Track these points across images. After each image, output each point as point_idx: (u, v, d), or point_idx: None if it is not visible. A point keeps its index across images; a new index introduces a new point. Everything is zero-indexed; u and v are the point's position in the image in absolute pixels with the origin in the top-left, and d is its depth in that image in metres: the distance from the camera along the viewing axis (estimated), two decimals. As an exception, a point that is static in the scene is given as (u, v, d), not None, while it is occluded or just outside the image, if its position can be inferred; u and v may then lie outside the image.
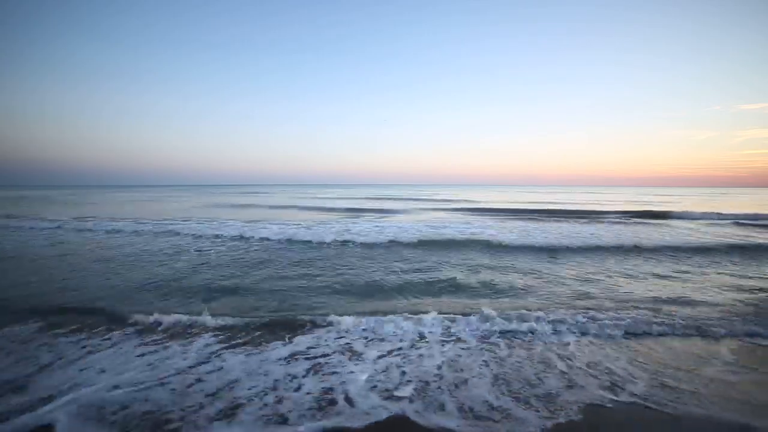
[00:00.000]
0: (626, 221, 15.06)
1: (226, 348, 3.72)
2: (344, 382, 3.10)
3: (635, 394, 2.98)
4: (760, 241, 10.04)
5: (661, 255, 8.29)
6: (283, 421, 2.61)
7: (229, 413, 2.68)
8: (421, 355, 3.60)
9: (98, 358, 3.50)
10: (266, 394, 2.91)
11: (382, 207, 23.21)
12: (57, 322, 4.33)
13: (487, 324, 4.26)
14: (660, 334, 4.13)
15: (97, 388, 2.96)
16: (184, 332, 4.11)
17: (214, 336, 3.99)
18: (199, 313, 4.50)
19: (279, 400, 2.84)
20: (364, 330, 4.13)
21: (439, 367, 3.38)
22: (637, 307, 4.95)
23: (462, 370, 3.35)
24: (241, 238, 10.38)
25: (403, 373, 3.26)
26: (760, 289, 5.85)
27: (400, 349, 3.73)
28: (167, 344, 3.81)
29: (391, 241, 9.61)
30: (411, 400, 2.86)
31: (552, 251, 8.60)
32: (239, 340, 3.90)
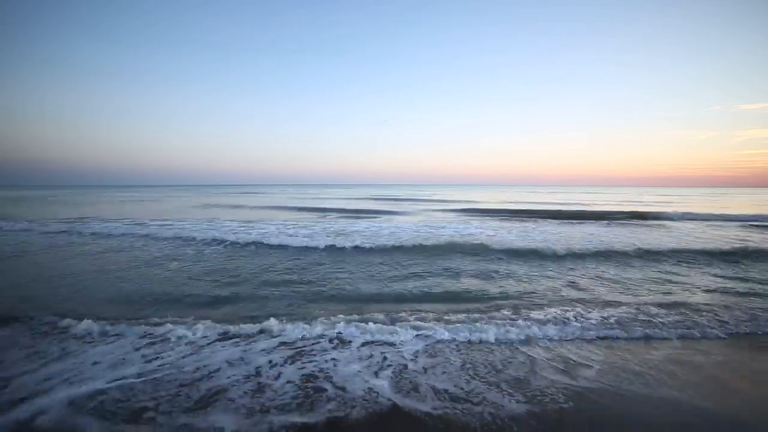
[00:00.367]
0: (626, 223, 14.78)
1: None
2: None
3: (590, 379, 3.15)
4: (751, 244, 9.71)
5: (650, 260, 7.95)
6: None
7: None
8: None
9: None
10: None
11: (374, 208, 22.93)
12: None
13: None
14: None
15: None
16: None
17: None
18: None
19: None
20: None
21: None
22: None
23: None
24: (213, 240, 9.88)
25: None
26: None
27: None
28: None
29: (355, 248, 8.92)
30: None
31: (543, 256, 8.25)
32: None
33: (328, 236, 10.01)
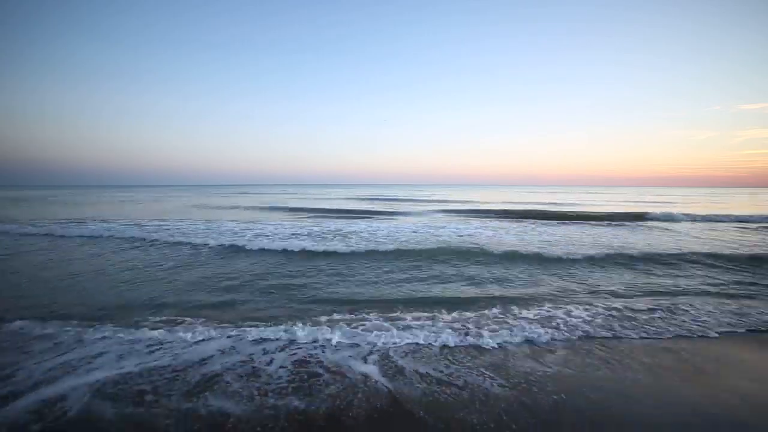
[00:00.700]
0: (622, 224, 14.56)
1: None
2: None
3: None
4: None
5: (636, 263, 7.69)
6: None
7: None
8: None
9: None
10: None
11: (367, 208, 22.60)
12: None
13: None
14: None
15: None
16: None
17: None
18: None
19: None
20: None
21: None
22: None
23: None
24: (181, 244, 9.59)
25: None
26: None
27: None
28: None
29: (329, 252, 8.59)
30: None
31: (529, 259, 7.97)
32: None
33: (300, 239, 9.72)
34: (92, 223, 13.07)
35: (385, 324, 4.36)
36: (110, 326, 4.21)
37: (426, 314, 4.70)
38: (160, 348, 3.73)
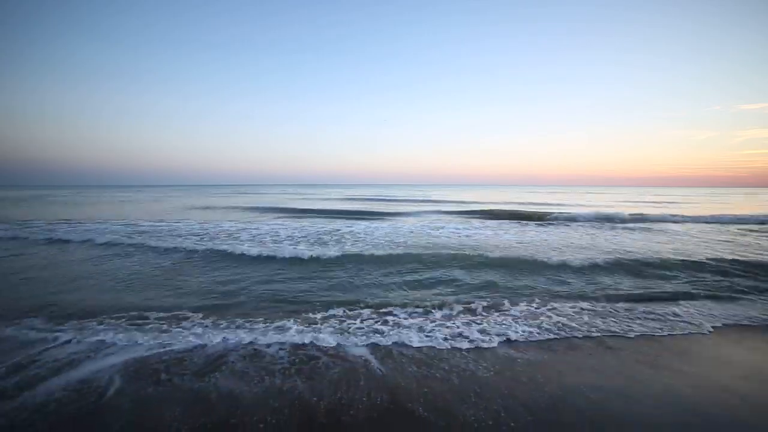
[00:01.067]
0: (602, 225, 14.24)
1: None
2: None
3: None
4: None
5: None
6: None
7: None
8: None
9: None
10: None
11: (359, 209, 22.34)
12: None
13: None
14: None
15: None
16: None
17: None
18: None
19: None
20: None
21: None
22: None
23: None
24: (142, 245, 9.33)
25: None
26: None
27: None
28: None
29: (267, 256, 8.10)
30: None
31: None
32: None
33: (275, 243, 9.39)
34: (70, 225, 12.69)
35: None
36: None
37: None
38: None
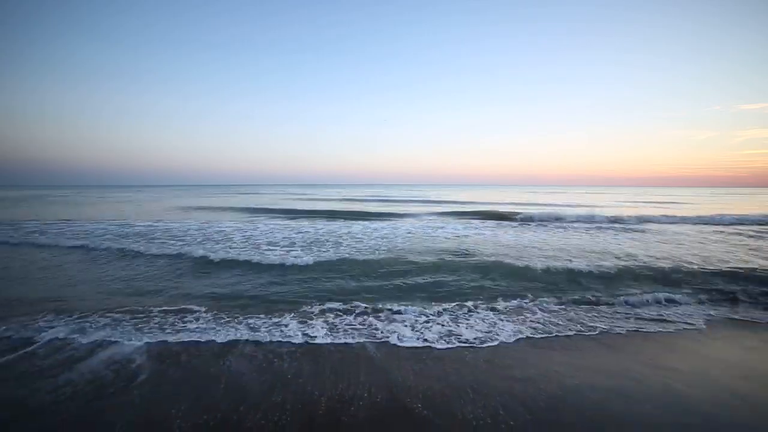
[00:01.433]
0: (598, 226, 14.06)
1: None
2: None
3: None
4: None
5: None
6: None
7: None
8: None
9: None
10: None
11: (351, 209, 21.97)
12: None
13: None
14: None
15: None
16: None
17: None
18: None
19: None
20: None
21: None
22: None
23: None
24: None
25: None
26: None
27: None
28: None
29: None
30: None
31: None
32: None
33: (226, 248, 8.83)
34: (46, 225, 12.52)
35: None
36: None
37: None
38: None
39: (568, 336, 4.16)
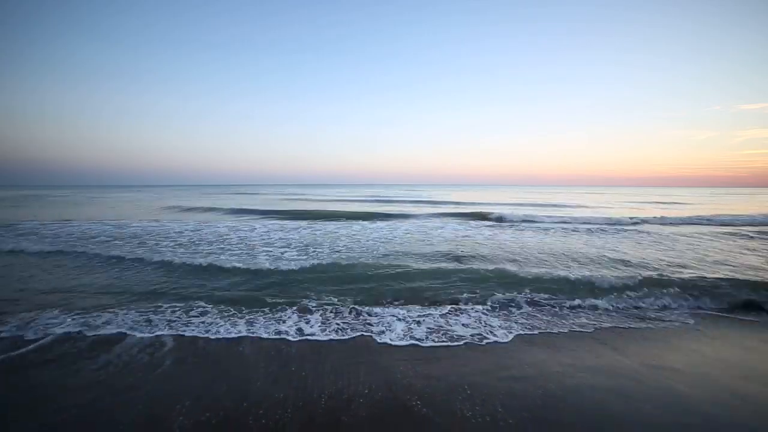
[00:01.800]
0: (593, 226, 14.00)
1: None
2: None
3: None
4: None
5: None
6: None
7: None
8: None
9: None
10: None
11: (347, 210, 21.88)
12: None
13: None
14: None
15: None
16: None
17: None
18: None
19: None
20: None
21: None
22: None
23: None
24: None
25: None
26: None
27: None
28: None
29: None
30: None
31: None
32: None
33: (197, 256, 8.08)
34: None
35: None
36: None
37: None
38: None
39: (567, 335, 4.18)
